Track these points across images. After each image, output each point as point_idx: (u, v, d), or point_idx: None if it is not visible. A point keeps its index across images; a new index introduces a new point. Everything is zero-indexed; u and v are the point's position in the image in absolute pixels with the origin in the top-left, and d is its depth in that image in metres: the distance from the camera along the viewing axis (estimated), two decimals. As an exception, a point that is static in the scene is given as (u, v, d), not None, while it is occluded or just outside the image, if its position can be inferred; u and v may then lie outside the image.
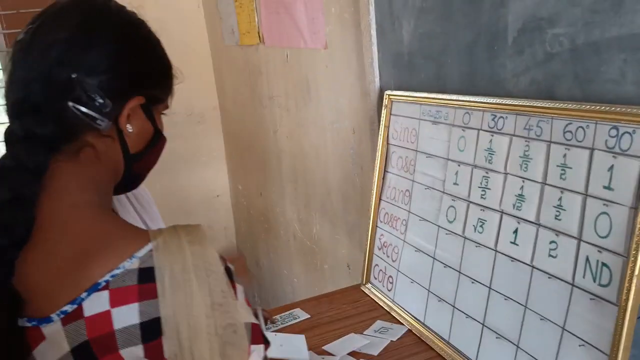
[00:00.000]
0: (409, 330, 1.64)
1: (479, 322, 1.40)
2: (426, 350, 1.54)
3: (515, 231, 1.30)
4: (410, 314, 1.66)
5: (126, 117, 0.77)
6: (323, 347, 1.59)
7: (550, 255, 1.21)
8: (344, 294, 1.92)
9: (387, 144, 1.82)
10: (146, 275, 0.66)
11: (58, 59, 0.73)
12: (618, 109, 1.04)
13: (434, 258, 1.57)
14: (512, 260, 1.31)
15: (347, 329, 1.68)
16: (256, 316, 0.74)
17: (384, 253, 1.83)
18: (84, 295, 0.65)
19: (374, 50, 1.86)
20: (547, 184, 1.22)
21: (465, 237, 1.45)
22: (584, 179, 1.12)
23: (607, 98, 1.09)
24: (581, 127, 1.13)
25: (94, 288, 0.65)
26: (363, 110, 2.00)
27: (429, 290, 1.59)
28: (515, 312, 1.29)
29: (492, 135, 1.37)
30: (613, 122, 1.06)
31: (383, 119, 1.81)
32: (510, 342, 1.30)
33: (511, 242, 1.31)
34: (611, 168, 1.06)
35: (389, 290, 1.79)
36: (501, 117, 1.34)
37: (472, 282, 1.42)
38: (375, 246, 1.88)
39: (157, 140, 0.83)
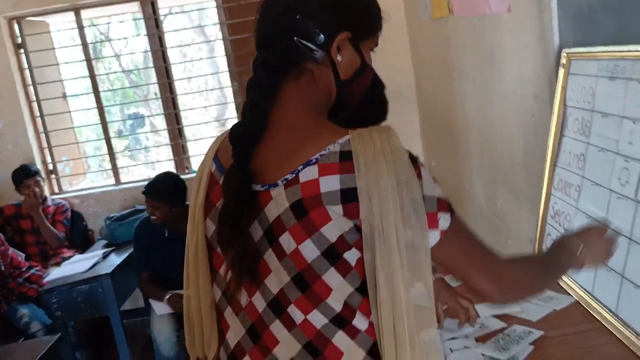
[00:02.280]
0: (576, 302, 1.55)
1: (647, 293, 1.27)
2: (591, 322, 1.44)
3: None
4: (578, 284, 1.56)
5: (336, 49, 0.95)
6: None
7: None
8: (514, 263, 1.85)
9: (564, 105, 1.71)
10: (345, 156, 0.86)
11: (288, 5, 0.95)
12: None
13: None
14: (687, 225, 1.16)
15: (510, 295, 1.64)
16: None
17: (556, 222, 1.73)
18: (300, 167, 0.88)
19: (554, 7, 1.75)
20: None
21: (637, 202, 1.32)
22: None
23: None
24: None
25: (308, 163, 0.88)
26: (543, 73, 1.90)
27: (598, 260, 1.48)
28: (688, 283, 1.16)
29: (671, 86, 1.22)
30: None
31: (560, 79, 1.71)
32: (681, 315, 1.17)
33: (688, 205, 1.16)
34: None
35: (560, 261, 1.69)
36: (681, 64, 1.19)
37: (642, 249, 1.30)
38: (548, 215, 1.79)
39: (363, 70, 0.99)
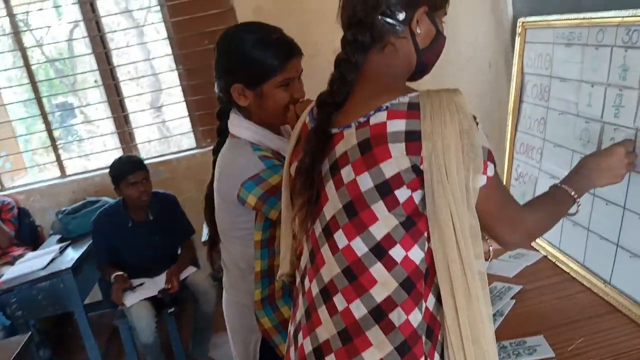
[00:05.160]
0: (545, 257, 1.66)
1: (613, 242, 1.39)
2: (560, 274, 1.56)
3: (651, 147, 1.26)
4: (546, 240, 1.67)
5: (416, 22, 1.05)
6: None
7: (688, 169, 1.17)
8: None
9: (522, 73, 1.80)
10: (413, 106, 0.95)
11: None
12: None
13: (568, 183, 1.56)
14: (647, 178, 1.27)
15: (482, 255, 1.74)
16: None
17: (520, 183, 1.84)
18: (372, 113, 0.98)
19: (506, -22, 1.83)
20: (685, 95, 1.16)
21: (599, 159, 1.42)
22: None
23: None
24: None
25: (379, 109, 0.98)
26: (498, 42, 1.99)
27: (564, 216, 1.59)
28: (651, 230, 1.27)
29: (626, 51, 1.32)
30: None
31: (517, 48, 1.80)
32: (646, 260, 1.28)
33: (647, 160, 1.27)
34: None
35: (525, 219, 1.80)
36: (636, 30, 1.29)
37: (606, 204, 1.40)
38: (512, 177, 1.89)
39: (439, 39, 1.10)
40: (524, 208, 1.11)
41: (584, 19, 1.47)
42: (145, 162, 4.11)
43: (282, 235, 1.20)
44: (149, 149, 4.45)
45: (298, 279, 1.14)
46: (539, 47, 1.69)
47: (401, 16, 1.04)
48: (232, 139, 1.45)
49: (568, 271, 1.55)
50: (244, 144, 1.40)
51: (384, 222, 0.97)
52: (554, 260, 1.62)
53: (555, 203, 1.18)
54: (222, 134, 1.50)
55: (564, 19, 1.55)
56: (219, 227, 1.48)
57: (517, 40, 1.79)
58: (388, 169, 0.95)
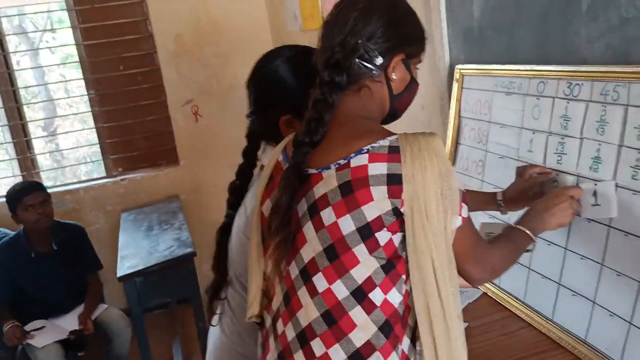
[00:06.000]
0: (484, 293, 1.72)
1: (554, 281, 1.46)
2: (502, 311, 1.62)
3: (594, 194, 1.35)
4: (485, 278, 1.73)
5: (392, 68, 1.10)
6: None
7: (629, 214, 1.26)
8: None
9: (459, 117, 1.88)
10: (393, 149, 0.97)
11: (350, 30, 1.07)
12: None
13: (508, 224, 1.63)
14: (588, 222, 1.36)
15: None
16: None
17: (456, 222, 1.90)
18: (352, 155, 0.99)
19: (444, 26, 1.92)
20: (624, 146, 1.26)
21: (540, 202, 1.51)
22: (662, 138, 1.17)
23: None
24: (659, 88, 1.17)
25: (359, 152, 0.99)
26: (433, 86, 2.07)
27: (503, 255, 1.66)
28: (591, 270, 1.35)
29: (568, 102, 1.42)
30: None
31: (455, 93, 1.88)
32: (587, 298, 1.37)
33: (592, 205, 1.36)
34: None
35: (462, 257, 1.86)
36: (577, 84, 1.39)
37: (548, 245, 1.49)
38: (447, 216, 1.95)
39: (412, 85, 1.15)
40: (490, 247, 1.17)
41: (524, 70, 1.56)
42: (50, 190, 3.85)
43: (252, 276, 1.16)
44: (46, 178, 4.16)
45: (269, 321, 1.10)
46: (477, 93, 1.78)
47: (378, 61, 1.09)
48: None
49: (509, 308, 1.61)
50: None
51: (365, 265, 0.98)
52: (493, 297, 1.68)
53: (514, 242, 1.24)
54: (246, 173, 1.39)
55: (504, 69, 1.65)
56: (236, 271, 1.37)
57: (455, 85, 1.87)
58: (370, 211, 0.96)
